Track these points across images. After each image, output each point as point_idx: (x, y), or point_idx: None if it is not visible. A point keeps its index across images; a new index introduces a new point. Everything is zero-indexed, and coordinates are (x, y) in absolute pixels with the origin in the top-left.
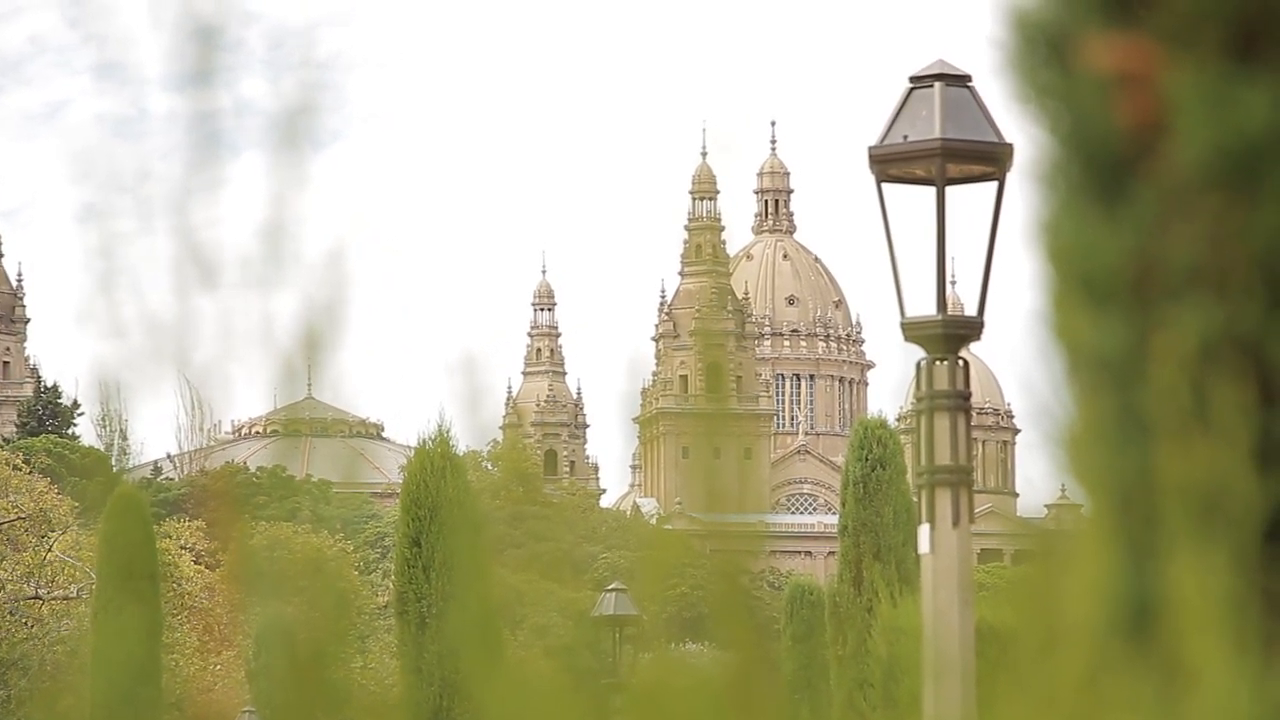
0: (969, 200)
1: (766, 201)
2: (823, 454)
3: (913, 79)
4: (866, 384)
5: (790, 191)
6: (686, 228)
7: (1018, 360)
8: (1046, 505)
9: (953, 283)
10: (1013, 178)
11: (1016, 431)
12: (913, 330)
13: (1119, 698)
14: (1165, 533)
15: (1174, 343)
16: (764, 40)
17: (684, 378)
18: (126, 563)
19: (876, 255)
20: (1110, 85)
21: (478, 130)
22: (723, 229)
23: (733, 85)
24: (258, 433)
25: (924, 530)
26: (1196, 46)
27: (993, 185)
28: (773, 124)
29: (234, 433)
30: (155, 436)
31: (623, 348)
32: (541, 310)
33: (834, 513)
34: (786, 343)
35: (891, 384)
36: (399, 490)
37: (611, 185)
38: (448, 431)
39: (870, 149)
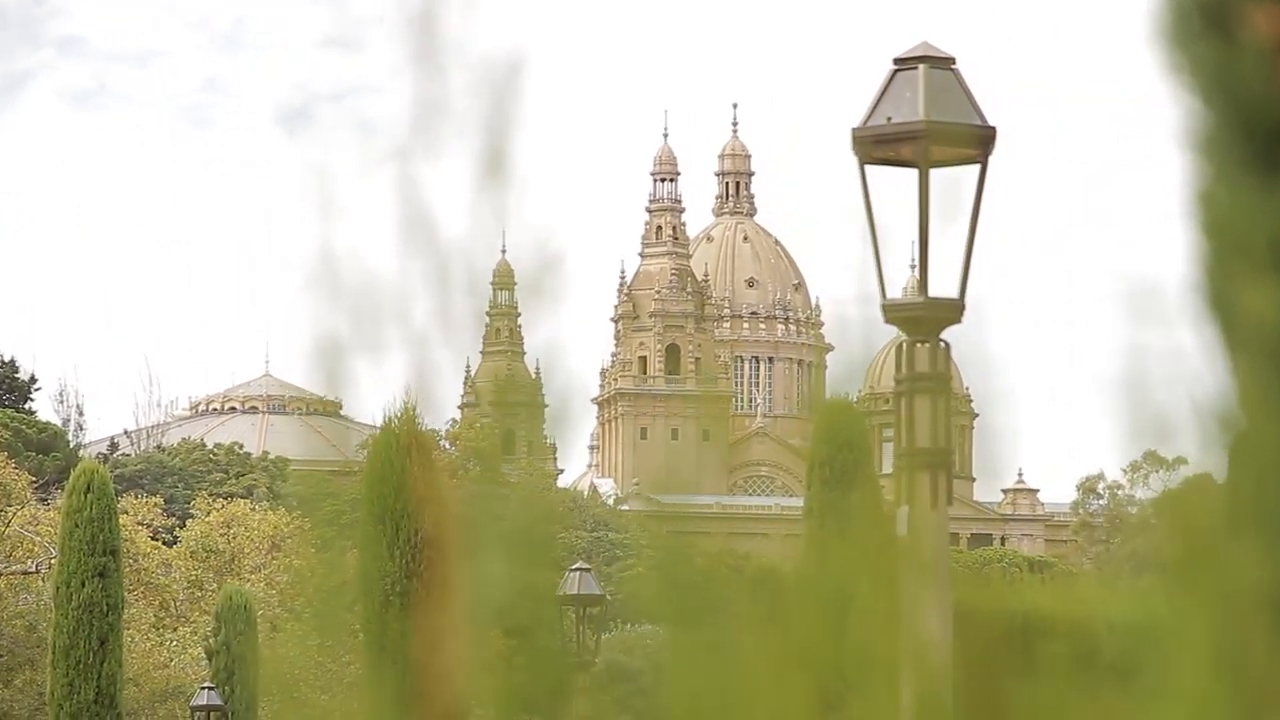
0: (903, 184)
1: (727, 184)
2: (781, 436)
3: (897, 61)
4: (825, 366)
5: (751, 174)
6: (647, 209)
7: (978, 344)
8: (1004, 490)
9: (912, 266)
10: (994, 161)
11: (974, 416)
12: (894, 313)
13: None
14: None
15: None
16: (726, 23)
17: (643, 359)
18: (89, 538)
19: (838, 238)
20: (1270, 56)
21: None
22: (683, 211)
23: (695, 68)
24: (215, 409)
25: (903, 512)
26: None
27: (975, 168)
28: (734, 106)
29: (191, 409)
30: (111, 412)
31: (582, 328)
32: (500, 290)
33: (792, 495)
34: (746, 325)
35: (851, 368)
36: (357, 468)
37: (573, 166)
38: (414, 409)
39: (854, 130)
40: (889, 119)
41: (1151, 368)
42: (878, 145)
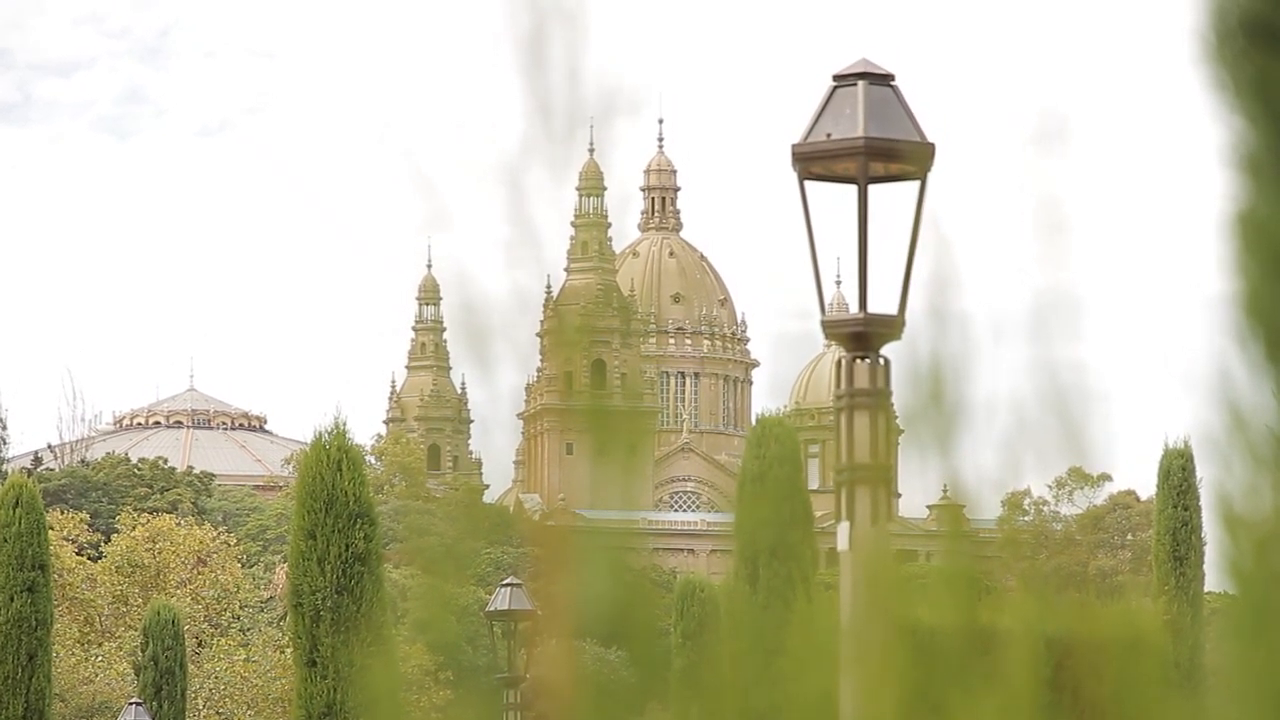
0: (837, 200)
1: (653, 199)
2: (706, 452)
3: (836, 77)
4: (751, 383)
5: (677, 189)
6: (573, 223)
7: (908, 357)
8: (929, 506)
9: (838, 282)
10: (932, 177)
11: (900, 431)
12: (833, 329)
13: None
14: None
15: None
16: (651, 37)
17: (569, 374)
18: (18, 553)
19: (762, 253)
20: None
21: (369, 117)
22: (609, 226)
23: (619, 81)
24: (139, 424)
25: (843, 527)
26: None
27: (914, 185)
28: (660, 122)
29: (115, 424)
30: (34, 426)
31: (508, 342)
32: (426, 305)
33: (717, 510)
34: (672, 340)
35: (773, 382)
36: (282, 483)
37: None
38: (343, 425)
39: (794, 146)
40: (828, 135)
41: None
42: (817, 161)
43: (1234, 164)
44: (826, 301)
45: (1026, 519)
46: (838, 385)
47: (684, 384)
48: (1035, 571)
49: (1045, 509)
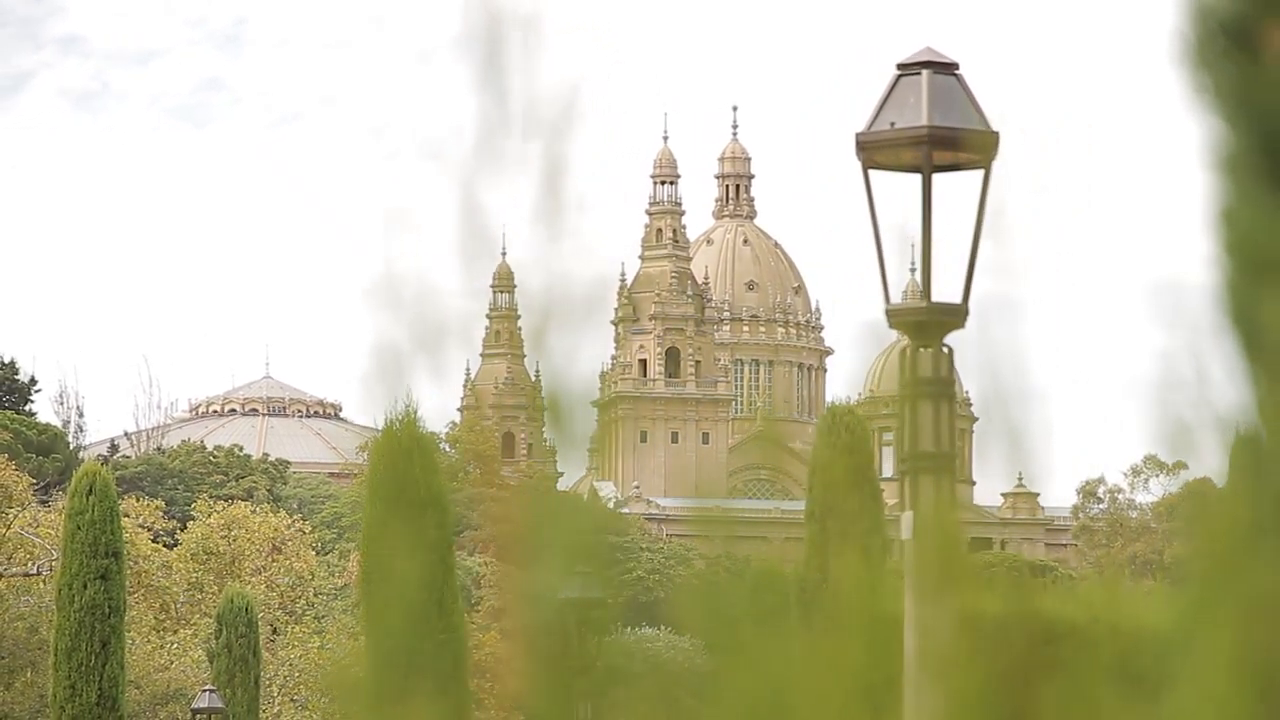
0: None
1: (727, 187)
2: (780, 439)
3: (900, 66)
4: (825, 370)
5: (751, 177)
6: (647, 211)
7: (979, 348)
8: (1003, 494)
9: (912, 270)
10: (996, 166)
11: (974, 420)
12: (898, 317)
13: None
14: None
15: None
16: (726, 25)
17: (643, 362)
18: (91, 541)
19: (837, 241)
20: None
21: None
22: (683, 213)
23: (695, 70)
24: (215, 411)
25: (907, 516)
26: None
27: (979, 173)
28: (734, 109)
29: (191, 411)
30: (111, 414)
31: (583, 330)
32: (500, 292)
33: (791, 498)
34: (746, 328)
35: (849, 371)
36: (357, 470)
37: (574, 169)
38: (414, 412)
39: (858, 135)
40: (892, 124)
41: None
42: (881, 150)
43: (1213, 165)
44: (902, 289)
45: (1101, 507)
46: (901, 375)
47: (758, 372)
48: (1111, 559)
49: (1120, 496)
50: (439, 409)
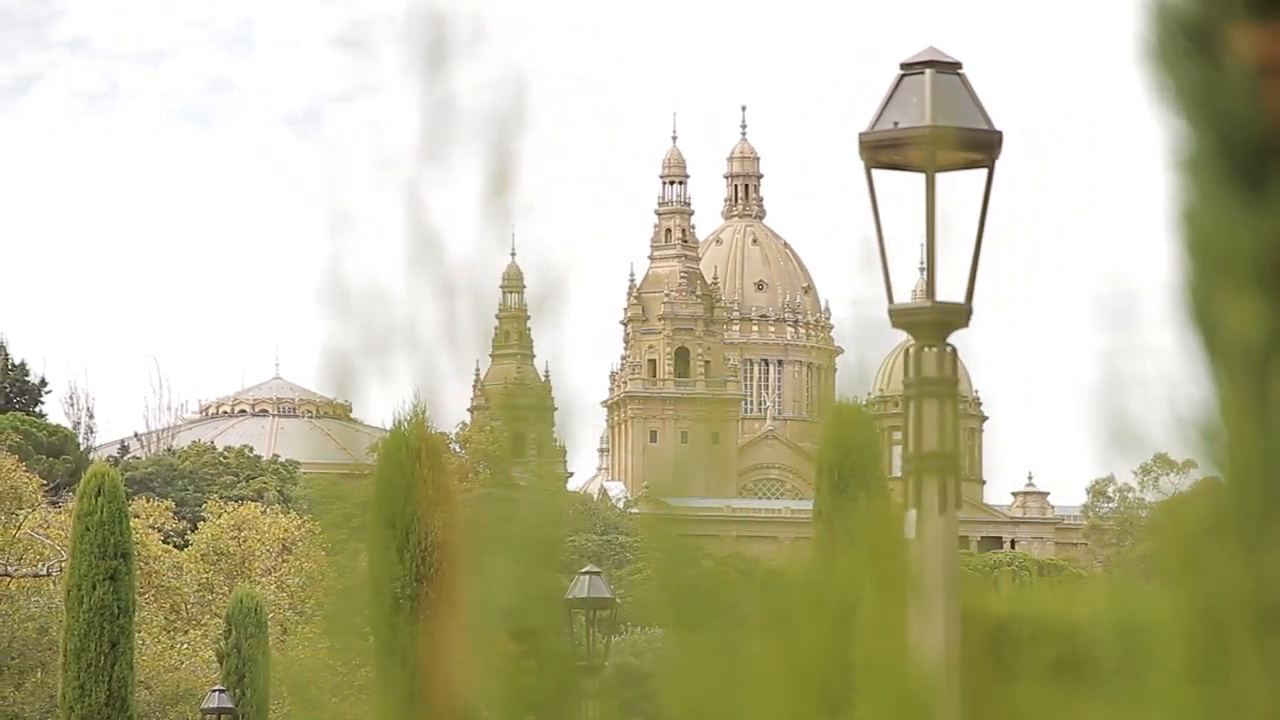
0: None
1: (736, 186)
2: (790, 439)
3: (903, 65)
4: (834, 370)
5: (760, 177)
6: (656, 211)
7: (988, 348)
8: (1013, 493)
9: (920, 269)
10: (1000, 165)
11: (984, 419)
12: (901, 317)
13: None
14: None
15: None
16: (734, 26)
17: (652, 362)
18: (100, 541)
19: (846, 241)
20: (1254, 77)
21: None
22: (692, 213)
23: (703, 70)
24: (225, 412)
25: (911, 516)
26: None
27: (982, 173)
28: (743, 109)
29: (201, 412)
30: (121, 415)
31: (591, 331)
32: (510, 293)
33: (801, 498)
34: (755, 328)
35: (859, 370)
36: (367, 471)
37: (581, 169)
38: (423, 412)
39: (861, 135)
40: (895, 123)
41: (1130, 374)
42: (884, 150)
43: (1175, 166)
44: (910, 289)
45: (1111, 506)
46: (906, 374)
47: (767, 371)
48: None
49: (1130, 495)
50: (451, 409)
